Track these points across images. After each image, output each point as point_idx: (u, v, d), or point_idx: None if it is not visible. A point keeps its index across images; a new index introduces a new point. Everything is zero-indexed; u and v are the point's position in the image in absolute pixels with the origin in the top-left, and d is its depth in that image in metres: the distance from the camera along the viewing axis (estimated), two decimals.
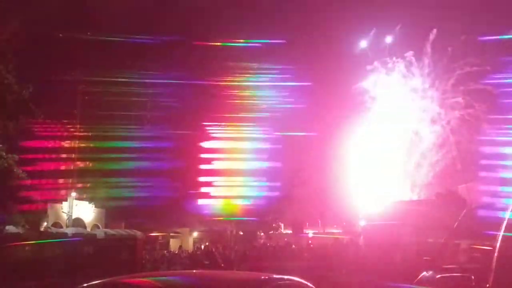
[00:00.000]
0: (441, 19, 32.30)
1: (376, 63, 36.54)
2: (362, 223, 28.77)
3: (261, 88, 36.02)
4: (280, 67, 34.92)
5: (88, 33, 28.65)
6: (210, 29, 35.83)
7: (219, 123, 35.52)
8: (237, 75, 34.97)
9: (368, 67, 36.63)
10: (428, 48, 35.19)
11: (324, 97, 36.27)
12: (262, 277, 3.68)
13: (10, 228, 16.08)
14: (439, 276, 7.86)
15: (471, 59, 32.79)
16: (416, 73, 36.23)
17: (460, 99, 34.08)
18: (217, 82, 34.43)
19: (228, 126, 36.06)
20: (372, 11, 35.29)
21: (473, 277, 7.18)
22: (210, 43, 34.18)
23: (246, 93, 35.56)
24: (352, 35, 36.90)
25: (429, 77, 35.75)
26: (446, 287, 7.42)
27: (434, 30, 34.16)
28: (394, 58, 36.14)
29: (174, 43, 33.90)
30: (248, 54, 35.19)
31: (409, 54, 35.64)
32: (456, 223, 9.88)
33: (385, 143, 35.81)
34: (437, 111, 35.18)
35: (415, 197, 32.25)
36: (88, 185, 30.92)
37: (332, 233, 41.81)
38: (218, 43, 34.32)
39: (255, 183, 35.36)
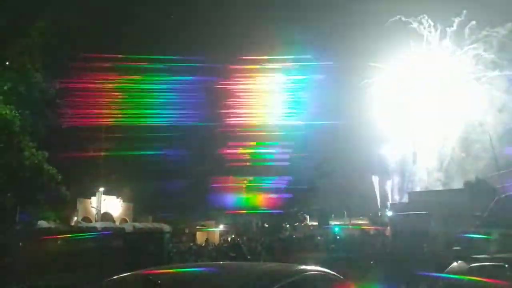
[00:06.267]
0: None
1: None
2: (390, 213, 28.45)
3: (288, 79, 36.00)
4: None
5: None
6: None
7: (243, 115, 35.62)
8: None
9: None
10: (495, 40, 34.35)
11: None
12: (289, 268, 3.65)
13: (42, 223, 16.52)
14: (470, 265, 7.67)
15: None
16: (484, 62, 35.31)
17: None
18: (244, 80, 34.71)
19: (253, 117, 36.11)
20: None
21: (506, 266, 6.98)
22: None
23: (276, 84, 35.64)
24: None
25: (496, 68, 34.76)
26: (478, 276, 7.23)
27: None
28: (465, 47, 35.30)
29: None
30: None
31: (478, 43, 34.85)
32: (487, 212, 9.64)
33: (431, 131, 34.93)
34: (504, 101, 34.06)
35: None
36: (116, 179, 31.29)
37: (359, 224, 41.46)
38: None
39: (281, 175, 35.27)
